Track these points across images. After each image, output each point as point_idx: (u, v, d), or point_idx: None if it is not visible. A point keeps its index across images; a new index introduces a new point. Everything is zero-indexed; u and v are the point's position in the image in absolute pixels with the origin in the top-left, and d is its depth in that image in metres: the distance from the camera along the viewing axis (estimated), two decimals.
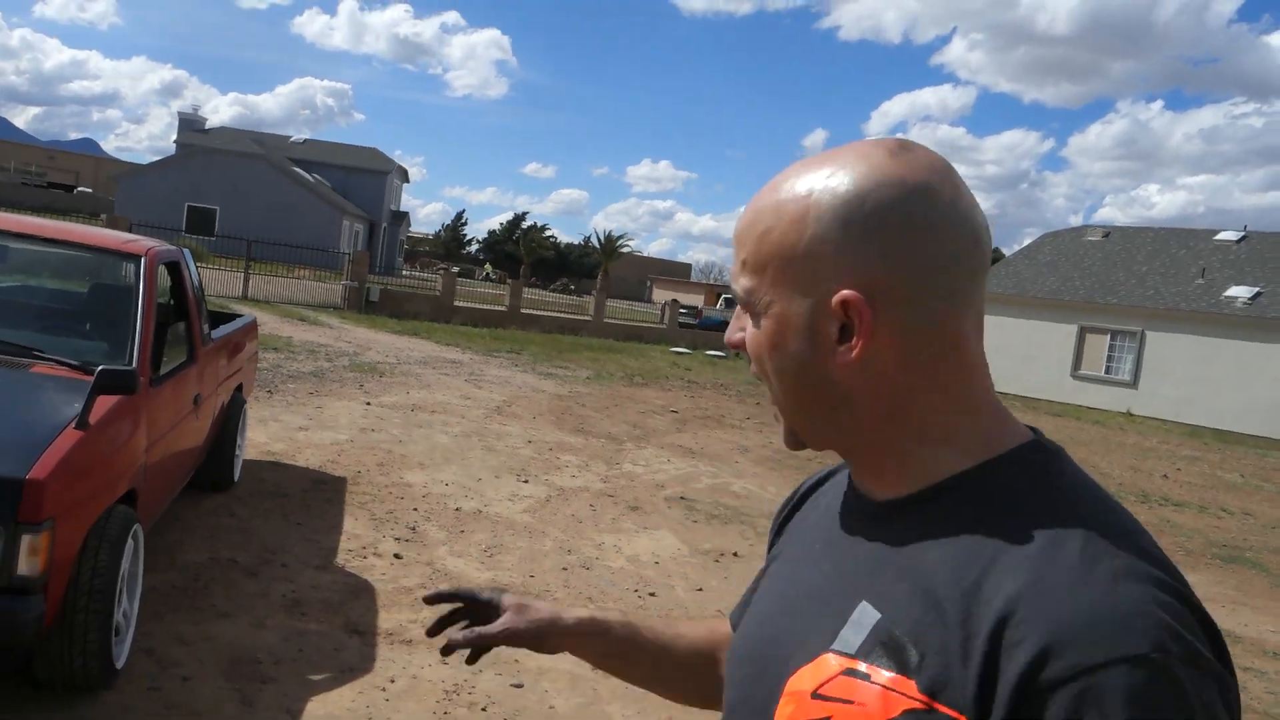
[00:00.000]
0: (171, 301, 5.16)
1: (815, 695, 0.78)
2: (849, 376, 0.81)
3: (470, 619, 1.26)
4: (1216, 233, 30.72)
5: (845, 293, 0.79)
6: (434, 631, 1.28)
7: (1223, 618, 6.72)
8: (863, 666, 0.76)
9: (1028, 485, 0.79)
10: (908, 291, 0.79)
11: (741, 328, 0.89)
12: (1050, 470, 0.80)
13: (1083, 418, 23.98)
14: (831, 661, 0.78)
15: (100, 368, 3.56)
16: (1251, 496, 13.42)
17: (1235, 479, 15.21)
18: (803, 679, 0.80)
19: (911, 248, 0.78)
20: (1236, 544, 9.66)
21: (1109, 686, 0.64)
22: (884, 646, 0.75)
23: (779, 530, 1.08)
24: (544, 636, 1.20)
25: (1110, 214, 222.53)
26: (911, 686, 0.73)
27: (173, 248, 5.37)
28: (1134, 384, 27.50)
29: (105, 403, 3.62)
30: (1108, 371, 28.19)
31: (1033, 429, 0.86)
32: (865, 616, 0.78)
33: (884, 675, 0.74)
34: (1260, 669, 5.72)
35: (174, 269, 5.19)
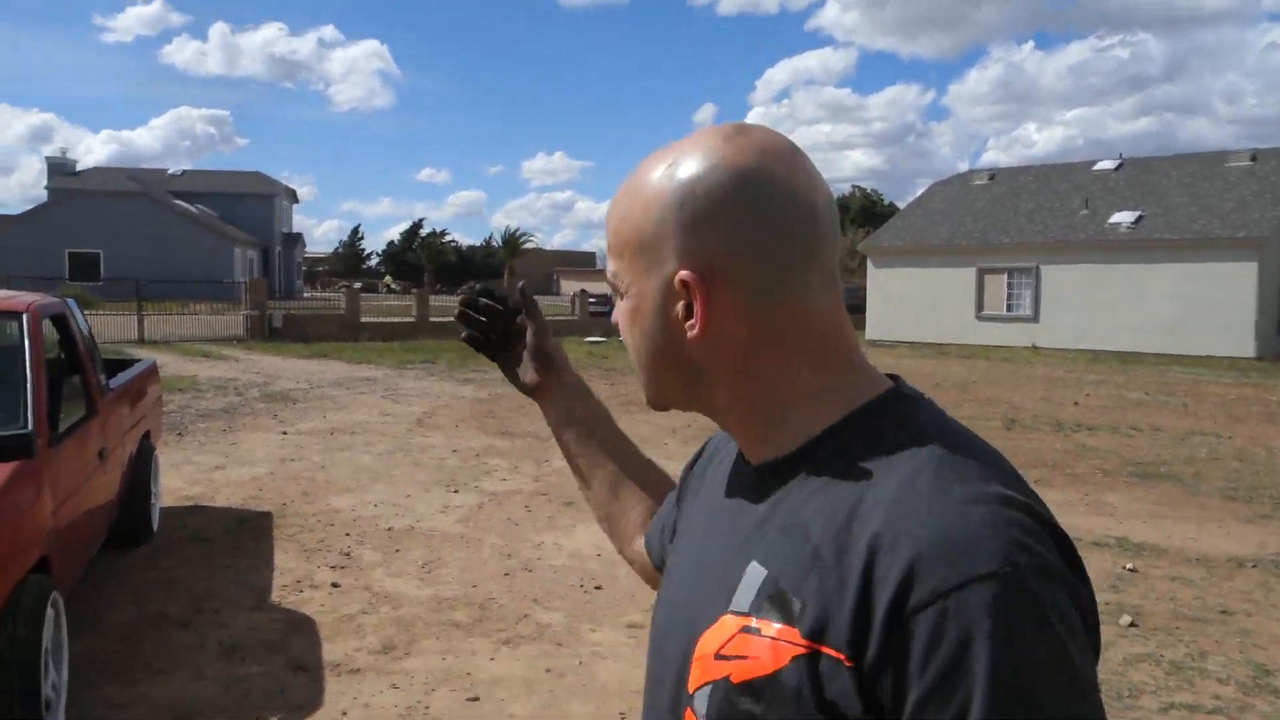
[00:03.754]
0: (62, 355, 4.95)
1: (718, 656, 0.81)
2: (700, 351, 0.87)
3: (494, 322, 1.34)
4: (1095, 163, 31.82)
5: (683, 273, 0.84)
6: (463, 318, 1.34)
7: (1147, 532, 6.99)
8: (754, 622, 0.79)
9: (887, 430, 0.84)
10: (746, 269, 0.83)
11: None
12: (907, 414, 0.85)
13: (991, 356, 24.66)
14: (729, 622, 0.82)
15: None
16: (1158, 412, 13.97)
17: (1140, 397, 15.81)
18: (707, 642, 0.83)
19: (744, 228, 0.83)
20: (1150, 460, 10.04)
21: (966, 603, 0.69)
22: (771, 600, 0.79)
23: (685, 476, 1.14)
24: (554, 362, 1.34)
25: (994, 156, 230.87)
26: (796, 634, 0.76)
27: (55, 300, 5.14)
28: (1035, 318, 28.39)
29: (3, 470, 3.44)
30: (1009, 309, 29.05)
31: (894, 377, 0.91)
32: (754, 575, 0.82)
33: (773, 627, 0.78)
34: (1187, 577, 5.95)
35: (60, 321, 4.97)
